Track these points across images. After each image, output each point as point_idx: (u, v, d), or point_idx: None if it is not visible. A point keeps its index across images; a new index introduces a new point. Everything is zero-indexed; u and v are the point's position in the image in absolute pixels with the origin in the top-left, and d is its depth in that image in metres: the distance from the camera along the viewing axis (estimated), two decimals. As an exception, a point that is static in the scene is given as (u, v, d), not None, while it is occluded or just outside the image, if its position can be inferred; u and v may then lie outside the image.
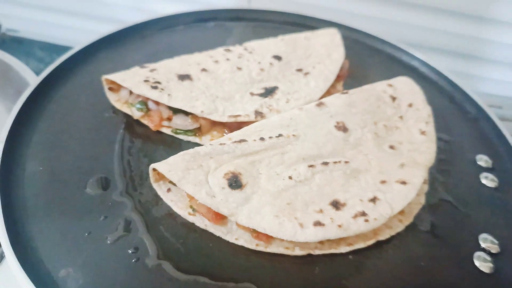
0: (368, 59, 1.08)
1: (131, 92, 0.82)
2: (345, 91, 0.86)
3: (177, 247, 0.63)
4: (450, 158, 0.83)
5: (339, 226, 0.62)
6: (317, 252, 0.64)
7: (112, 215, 0.66)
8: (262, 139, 0.71)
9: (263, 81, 0.88)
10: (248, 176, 0.66)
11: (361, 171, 0.71)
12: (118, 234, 0.64)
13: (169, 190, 0.70)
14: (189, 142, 0.80)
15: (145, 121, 0.82)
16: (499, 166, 0.83)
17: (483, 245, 0.68)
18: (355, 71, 1.02)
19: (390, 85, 0.89)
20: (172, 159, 0.68)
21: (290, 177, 0.67)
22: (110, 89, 0.85)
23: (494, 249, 0.68)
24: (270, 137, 0.72)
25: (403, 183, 0.69)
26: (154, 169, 0.68)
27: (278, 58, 0.94)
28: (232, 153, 0.69)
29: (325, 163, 0.70)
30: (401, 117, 0.83)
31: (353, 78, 1.00)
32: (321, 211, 0.63)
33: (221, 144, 0.70)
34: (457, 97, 0.99)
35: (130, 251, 0.62)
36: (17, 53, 1.18)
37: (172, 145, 0.80)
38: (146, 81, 0.80)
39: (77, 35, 1.57)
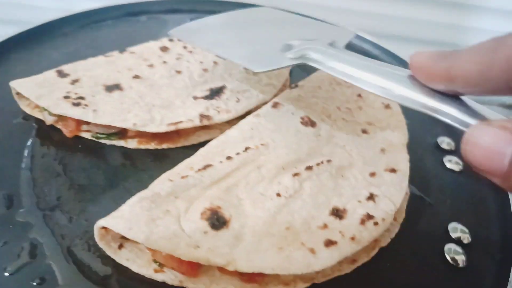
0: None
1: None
2: (293, 84, 0.78)
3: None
4: (410, 143, 0.75)
5: (352, 239, 0.51)
6: (322, 279, 0.53)
7: (14, 239, 0.54)
8: (229, 158, 0.59)
9: (207, 82, 0.77)
10: (228, 207, 0.52)
11: (346, 168, 0.61)
12: (20, 262, 0.51)
13: (121, 246, 0.53)
14: (113, 146, 0.69)
15: (59, 126, 0.69)
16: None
17: (453, 235, 0.61)
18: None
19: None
20: (128, 210, 0.51)
21: (278, 194, 0.55)
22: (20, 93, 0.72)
23: (466, 238, 0.61)
24: (238, 153, 0.60)
25: (392, 170, 0.61)
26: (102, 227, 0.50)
27: (224, 55, 0.84)
28: (200, 184, 0.55)
29: (309, 168, 0.59)
30: (359, 95, 0.77)
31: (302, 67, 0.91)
32: (325, 226, 0.52)
33: (183, 177, 0.56)
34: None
35: (35, 283, 0.50)
36: None
37: (93, 150, 0.68)
38: (66, 97, 0.68)
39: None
